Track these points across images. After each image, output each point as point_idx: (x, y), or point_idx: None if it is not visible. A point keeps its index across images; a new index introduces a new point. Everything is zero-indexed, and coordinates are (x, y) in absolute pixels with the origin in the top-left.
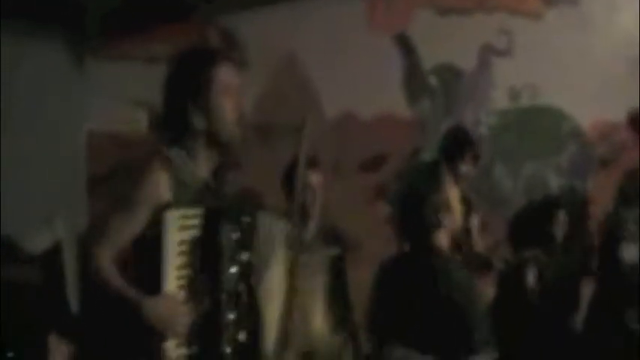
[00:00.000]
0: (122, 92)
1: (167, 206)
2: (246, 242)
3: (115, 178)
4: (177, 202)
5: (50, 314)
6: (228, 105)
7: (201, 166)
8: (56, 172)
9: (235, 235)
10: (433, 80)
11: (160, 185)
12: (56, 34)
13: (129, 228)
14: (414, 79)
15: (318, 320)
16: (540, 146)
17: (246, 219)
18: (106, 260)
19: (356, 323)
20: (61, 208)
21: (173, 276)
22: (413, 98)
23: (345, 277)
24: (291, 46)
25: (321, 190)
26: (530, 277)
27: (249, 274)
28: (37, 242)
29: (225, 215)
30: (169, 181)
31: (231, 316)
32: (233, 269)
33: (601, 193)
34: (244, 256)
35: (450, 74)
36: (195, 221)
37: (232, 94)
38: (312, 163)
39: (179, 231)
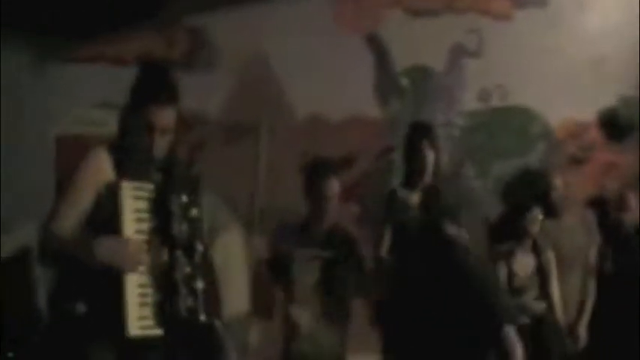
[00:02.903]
0: (89, 94)
1: (117, 181)
2: (195, 201)
3: None
4: (122, 174)
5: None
6: (158, 142)
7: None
8: (24, 177)
9: (184, 197)
10: (404, 81)
11: (103, 165)
12: (22, 36)
13: (76, 210)
14: (384, 80)
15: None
16: (510, 146)
17: (193, 183)
18: (59, 230)
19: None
20: (30, 213)
21: (131, 234)
22: (383, 99)
23: (341, 278)
24: (261, 46)
25: (336, 199)
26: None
27: (201, 228)
28: (5, 248)
29: (172, 184)
30: (112, 162)
31: (188, 268)
32: (184, 226)
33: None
34: (194, 213)
35: (420, 75)
36: (147, 193)
37: (164, 134)
38: (331, 172)
39: (134, 200)
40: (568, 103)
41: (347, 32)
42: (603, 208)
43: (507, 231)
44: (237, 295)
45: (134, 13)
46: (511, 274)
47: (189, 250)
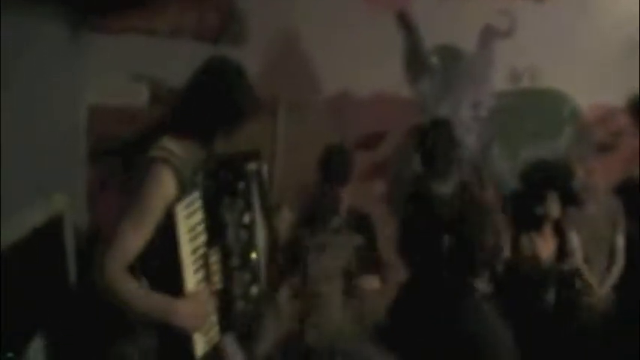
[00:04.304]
0: (122, 66)
1: (172, 203)
2: (248, 205)
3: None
4: (178, 195)
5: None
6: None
7: (193, 148)
8: (56, 146)
9: (235, 205)
10: (434, 60)
11: (169, 190)
12: (55, 7)
13: (142, 237)
14: (414, 59)
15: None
16: (539, 129)
17: (241, 185)
18: (120, 273)
19: None
20: (60, 181)
21: (190, 262)
22: (413, 77)
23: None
24: (291, 21)
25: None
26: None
27: (254, 234)
28: (35, 216)
29: (221, 189)
30: (175, 180)
31: (247, 275)
32: (239, 235)
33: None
34: (247, 219)
35: (450, 55)
36: (198, 204)
37: None
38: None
39: (187, 219)
40: (598, 87)
41: (377, 9)
42: (630, 194)
43: (526, 217)
44: None
45: None
46: (535, 259)
47: (245, 258)
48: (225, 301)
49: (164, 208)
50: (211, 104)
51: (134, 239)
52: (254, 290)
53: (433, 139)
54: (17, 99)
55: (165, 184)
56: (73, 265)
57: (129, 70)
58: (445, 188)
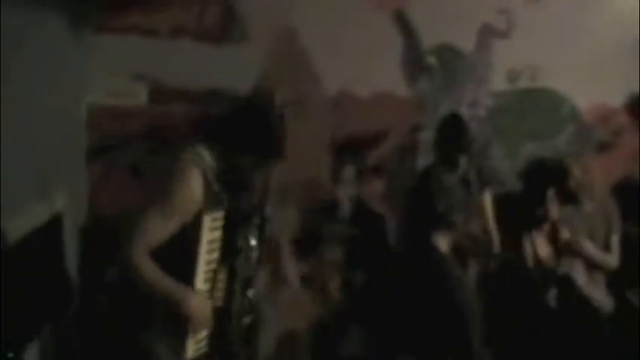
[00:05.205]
0: (121, 65)
1: (202, 210)
2: (256, 239)
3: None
4: (207, 204)
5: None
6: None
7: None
8: (55, 144)
9: (249, 236)
10: (432, 60)
11: (198, 195)
12: (56, 6)
13: (168, 230)
14: (413, 58)
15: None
16: (538, 128)
17: (256, 221)
18: (144, 257)
19: None
20: (60, 180)
21: (202, 271)
22: (412, 77)
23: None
24: (291, 21)
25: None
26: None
27: (258, 268)
28: (35, 215)
29: (240, 218)
30: (203, 187)
31: (244, 301)
32: (247, 263)
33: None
34: (255, 253)
35: (449, 54)
36: (220, 222)
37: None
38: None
39: (210, 231)
40: (598, 87)
41: (375, 9)
42: (628, 194)
43: (527, 216)
44: None
45: None
46: (536, 259)
47: (246, 288)
48: (220, 320)
49: (192, 211)
50: (253, 132)
51: (160, 230)
52: (246, 321)
53: (449, 131)
54: (16, 95)
55: (196, 189)
56: (74, 264)
57: (128, 69)
58: (452, 179)
